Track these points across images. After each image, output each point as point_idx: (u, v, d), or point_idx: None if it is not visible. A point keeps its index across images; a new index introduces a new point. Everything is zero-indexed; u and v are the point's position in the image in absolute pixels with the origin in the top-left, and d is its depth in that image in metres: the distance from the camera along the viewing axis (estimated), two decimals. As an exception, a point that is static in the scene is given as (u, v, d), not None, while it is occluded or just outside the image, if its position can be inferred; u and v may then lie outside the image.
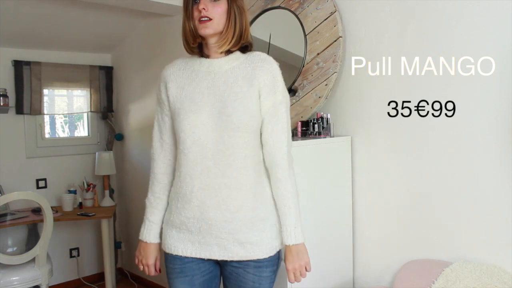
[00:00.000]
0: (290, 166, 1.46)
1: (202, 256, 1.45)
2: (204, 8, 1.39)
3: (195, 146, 1.41)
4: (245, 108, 1.39)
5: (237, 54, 1.47)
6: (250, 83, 1.41)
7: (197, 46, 1.47)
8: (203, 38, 1.45)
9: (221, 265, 1.49)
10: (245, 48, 1.50)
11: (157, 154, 1.54)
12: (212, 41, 1.44)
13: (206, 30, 1.41)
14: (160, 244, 1.55)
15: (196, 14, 1.41)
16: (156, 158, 1.54)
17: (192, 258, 1.47)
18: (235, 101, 1.39)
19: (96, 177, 3.82)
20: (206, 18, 1.40)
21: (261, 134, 1.45)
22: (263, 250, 1.43)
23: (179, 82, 1.48)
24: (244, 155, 1.41)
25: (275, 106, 1.43)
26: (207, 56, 1.48)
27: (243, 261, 1.43)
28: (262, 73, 1.42)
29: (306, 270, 1.47)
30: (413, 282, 1.82)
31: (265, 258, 1.43)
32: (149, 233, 1.53)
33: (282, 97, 1.45)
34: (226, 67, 1.45)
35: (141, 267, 1.57)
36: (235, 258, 1.42)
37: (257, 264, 1.43)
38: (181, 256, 1.47)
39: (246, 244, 1.41)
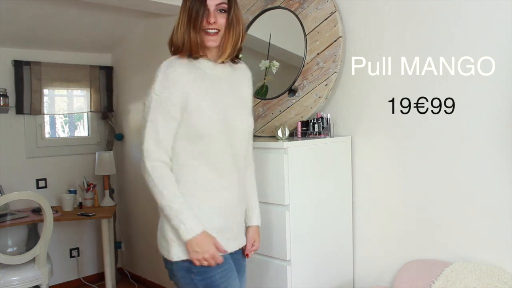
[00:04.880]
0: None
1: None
2: (214, 22, 1.41)
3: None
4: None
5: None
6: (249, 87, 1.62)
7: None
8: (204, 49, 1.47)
9: None
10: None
11: None
12: (212, 52, 1.48)
13: (214, 43, 1.44)
14: None
15: (204, 25, 1.41)
16: None
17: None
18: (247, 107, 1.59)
19: (96, 177, 3.81)
20: (215, 30, 1.42)
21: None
22: None
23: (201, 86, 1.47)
24: None
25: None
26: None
27: None
28: (248, 81, 1.61)
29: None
30: (413, 282, 1.82)
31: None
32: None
33: None
34: (227, 69, 1.54)
35: (207, 263, 1.41)
36: None
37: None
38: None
39: None
